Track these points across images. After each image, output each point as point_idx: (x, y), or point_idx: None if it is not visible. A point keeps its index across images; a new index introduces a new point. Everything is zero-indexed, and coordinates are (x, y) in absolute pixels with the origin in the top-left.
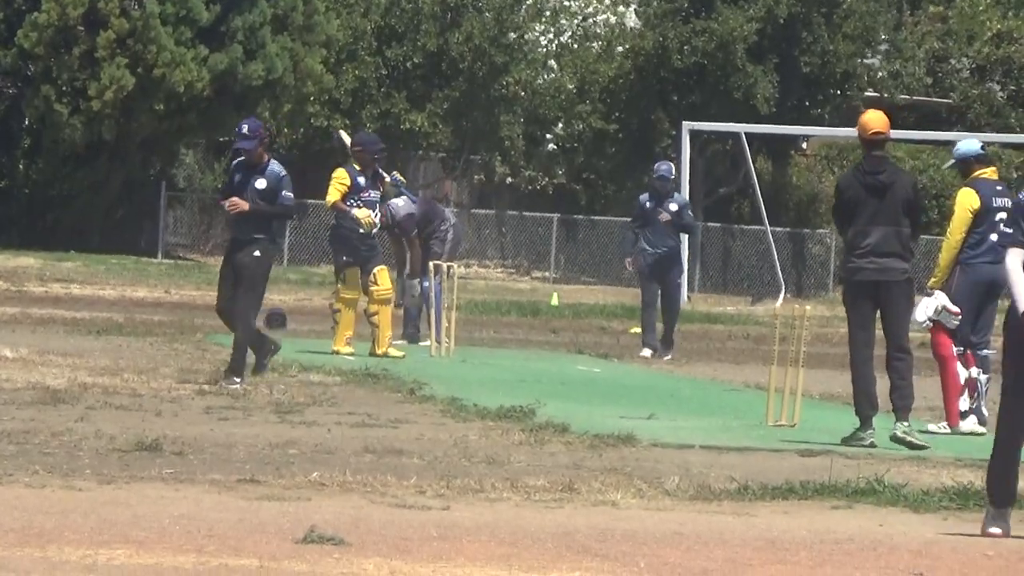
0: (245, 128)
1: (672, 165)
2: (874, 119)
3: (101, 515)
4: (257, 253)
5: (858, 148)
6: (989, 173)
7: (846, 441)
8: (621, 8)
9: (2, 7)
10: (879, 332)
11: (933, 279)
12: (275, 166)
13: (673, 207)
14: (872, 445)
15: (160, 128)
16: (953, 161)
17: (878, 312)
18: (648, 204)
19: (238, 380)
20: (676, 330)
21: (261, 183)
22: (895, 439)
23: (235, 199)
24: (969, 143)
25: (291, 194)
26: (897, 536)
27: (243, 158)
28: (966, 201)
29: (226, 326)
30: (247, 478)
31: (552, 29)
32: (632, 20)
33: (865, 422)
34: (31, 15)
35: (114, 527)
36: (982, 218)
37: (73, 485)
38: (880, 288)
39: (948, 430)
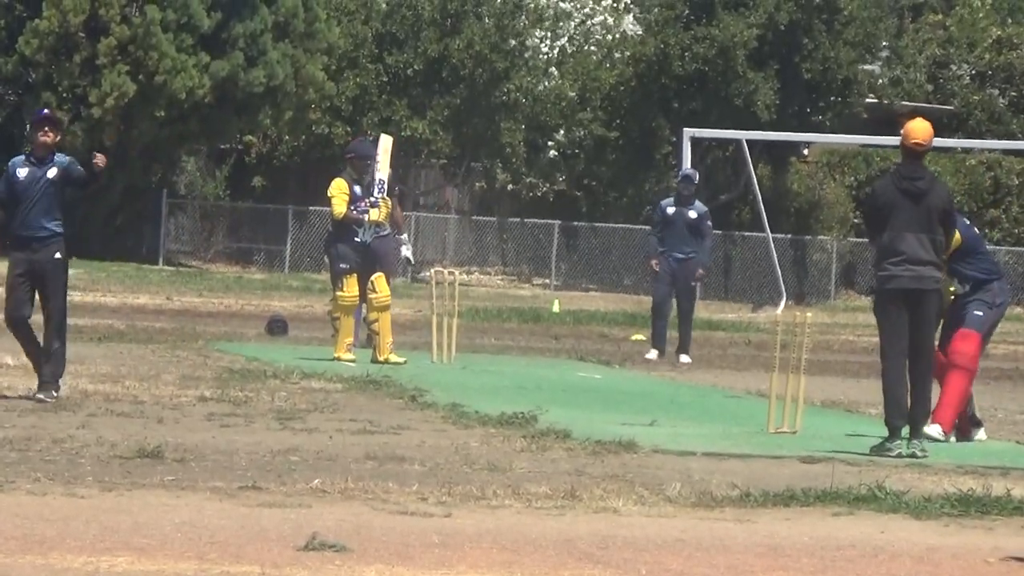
0: (48, 113)
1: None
2: (918, 128)
3: (103, 522)
4: (58, 255)
5: (858, 155)
6: None
7: (875, 451)
8: (622, 15)
9: (3, 14)
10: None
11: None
12: (60, 156)
13: (693, 214)
14: (900, 455)
15: (161, 135)
16: None
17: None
18: (670, 210)
19: (56, 392)
20: (691, 336)
21: (54, 172)
22: (912, 456)
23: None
24: None
25: (81, 168)
26: (898, 543)
27: (30, 156)
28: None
29: (17, 336)
30: (249, 485)
31: (552, 35)
32: (633, 27)
33: (894, 433)
34: (32, 22)
35: (116, 534)
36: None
37: (75, 492)
38: (913, 296)
39: (943, 437)
